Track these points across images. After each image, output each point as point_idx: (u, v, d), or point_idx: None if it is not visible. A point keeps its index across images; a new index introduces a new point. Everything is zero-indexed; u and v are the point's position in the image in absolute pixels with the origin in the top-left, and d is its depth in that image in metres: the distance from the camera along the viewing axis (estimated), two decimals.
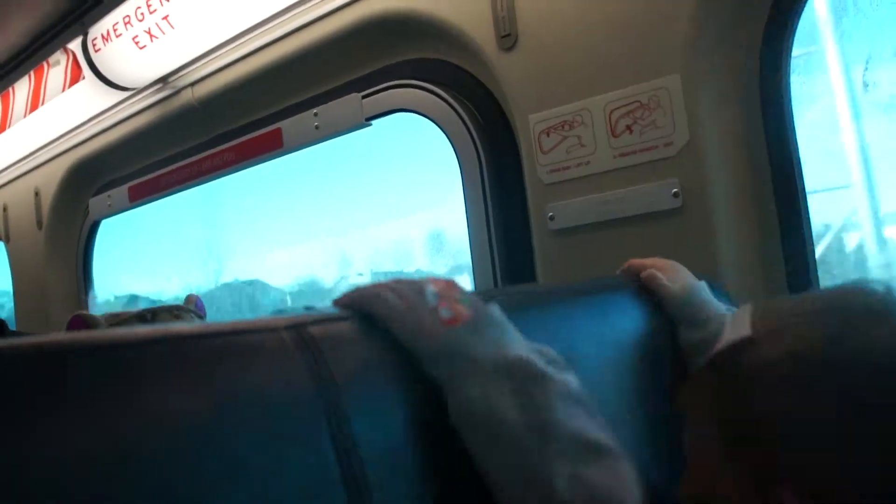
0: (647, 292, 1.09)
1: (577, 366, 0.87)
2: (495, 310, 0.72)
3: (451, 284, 0.74)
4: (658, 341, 1.05)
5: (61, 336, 0.53)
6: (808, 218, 1.46)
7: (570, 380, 0.70)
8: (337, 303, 0.73)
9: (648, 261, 1.13)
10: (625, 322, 1.02)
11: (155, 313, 1.28)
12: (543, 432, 0.64)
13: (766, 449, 0.70)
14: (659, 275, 1.09)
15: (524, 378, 0.66)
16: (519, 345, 0.70)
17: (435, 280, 0.74)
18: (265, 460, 0.55)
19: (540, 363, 0.68)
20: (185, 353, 0.56)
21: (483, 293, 0.81)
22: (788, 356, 0.70)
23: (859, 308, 0.71)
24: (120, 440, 0.49)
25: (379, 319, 0.69)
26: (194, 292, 1.68)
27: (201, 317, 1.33)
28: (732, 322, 0.79)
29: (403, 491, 0.63)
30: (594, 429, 0.66)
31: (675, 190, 1.45)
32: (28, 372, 0.48)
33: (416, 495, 0.64)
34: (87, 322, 1.28)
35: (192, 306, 1.35)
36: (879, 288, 0.73)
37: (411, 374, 0.68)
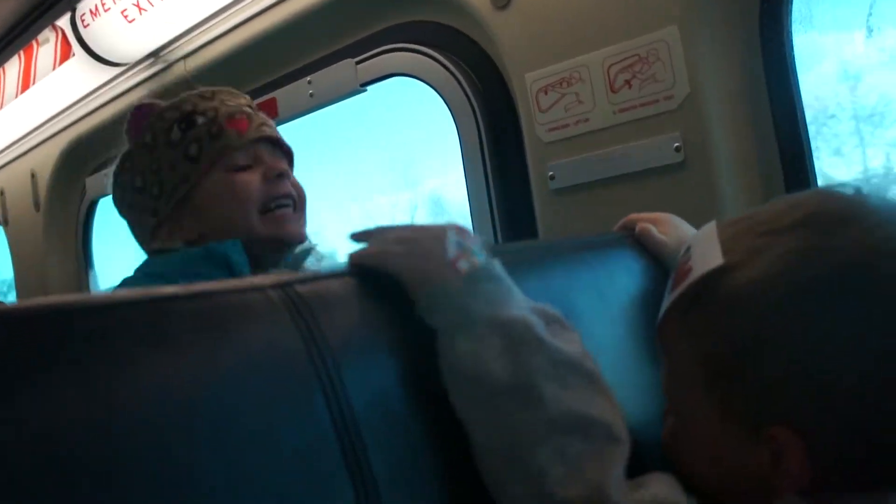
0: (642, 247, 1.06)
1: (577, 321, 0.85)
2: (495, 265, 0.70)
3: (467, 233, 0.72)
4: (658, 295, 1.02)
5: (40, 302, 0.51)
6: (813, 168, 1.43)
7: (572, 342, 0.68)
8: (352, 257, 0.70)
9: (646, 215, 1.10)
10: (624, 277, 1.00)
11: None
12: (531, 398, 0.62)
13: (755, 384, 0.64)
14: (652, 228, 1.06)
15: (518, 340, 0.63)
16: (518, 303, 0.68)
17: (456, 228, 0.71)
18: (257, 422, 0.54)
19: (538, 327, 0.65)
20: (169, 314, 0.55)
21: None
22: (767, 279, 0.64)
23: (829, 216, 0.65)
24: (106, 405, 0.48)
25: (389, 274, 0.67)
26: None
27: None
28: (698, 248, 0.72)
29: (401, 450, 0.61)
30: (588, 402, 0.63)
31: (676, 144, 1.42)
32: (10, 339, 0.47)
33: (413, 455, 0.62)
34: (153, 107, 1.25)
35: None
36: (848, 191, 0.68)
37: (407, 331, 0.66)
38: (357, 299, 0.65)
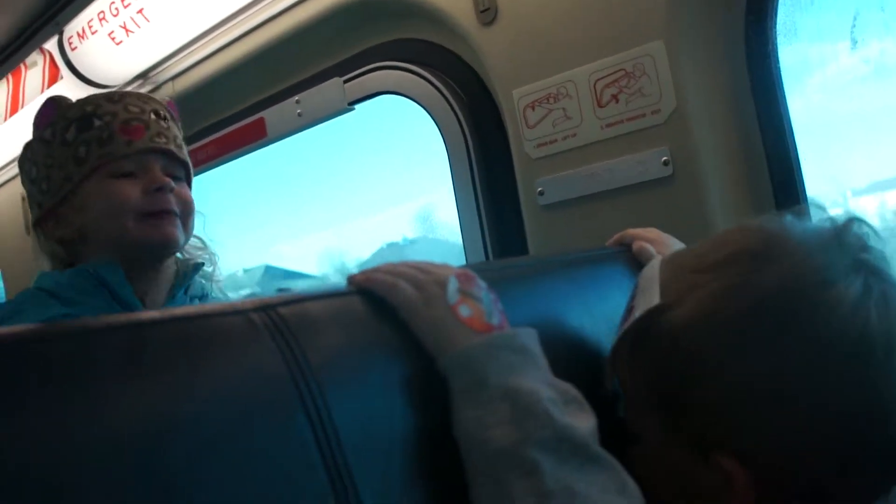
0: (639, 264, 1.05)
1: (565, 338, 0.85)
2: (525, 333, 0.69)
3: (471, 278, 0.72)
4: None
5: (16, 328, 0.50)
6: (802, 178, 1.43)
7: (586, 422, 0.65)
8: (352, 280, 0.71)
9: (642, 231, 1.10)
10: (616, 293, 0.99)
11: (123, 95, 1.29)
12: (528, 468, 0.60)
13: (695, 414, 0.69)
14: (650, 248, 1.06)
15: (525, 411, 0.62)
16: (537, 376, 0.66)
17: (456, 272, 0.71)
18: (238, 447, 0.52)
19: (550, 402, 0.63)
20: (148, 340, 0.54)
21: (470, 267, 0.78)
22: (698, 318, 0.68)
23: (751, 254, 0.69)
24: (84, 432, 0.46)
25: (392, 308, 0.68)
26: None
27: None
28: (642, 287, 0.76)
29: (388, 475, 0.60)
30: (589, 483, 0.61)
31: (664, 158, 1.42)
32: None
33: (402, 479, 0.61)
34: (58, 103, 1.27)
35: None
36: (775, 225, 0.72)
37: (395, 355, 0.65)
38: (341, 322, 0.64)
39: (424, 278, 0.69)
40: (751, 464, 0.65)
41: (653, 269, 0.77)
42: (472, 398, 0.63)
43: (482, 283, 0.72)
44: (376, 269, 0.72)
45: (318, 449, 0.56)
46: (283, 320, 0.60)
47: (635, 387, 0.76)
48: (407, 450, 0.62)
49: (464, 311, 0.67)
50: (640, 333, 0.73)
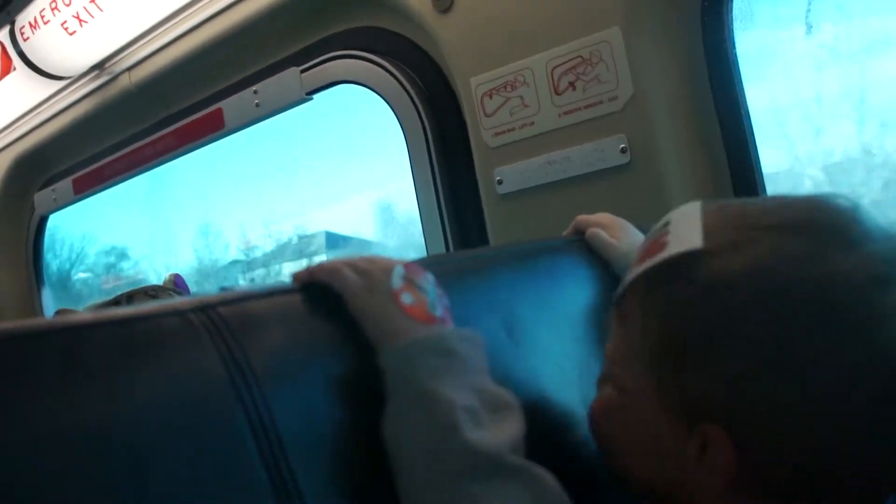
0: (594, 251, 1.05)
1: (521, 330, 0.85)
2: (456, 334, 0.67)
3: (419, 270, 0.71)
4: (608, 301, 1.01)
5: None
6: (759, 164, 1.43)
7: (502, 433, 0.63)
8: (297, 277, 0.70)
9: (594, 217, 1.10)
10: (572, 283, 0.99)
11: (131, 296, 1.24)
12: (438, 484, 0.60)
13: (702, 378, 0.62)
14: (602, 233, 1.05)
15: (435, 423, 0.61)
16: (458, 382, 0.64)
17: (405, 263, 0.71)
18: (177, 451, 0.51)
19: (460, 412, 0.62)
20: (84, 343, 0.52)
21: (421, 261, 0.77)
22: (754, 272, 0.60)
23: (829, 228, 0.62)
24: (17, 439, 0.45)
25: (338, 295, 0.67)
26: None
27: (182, 294, 1.29)
28: (678, 226, 0.67)
29: (333, 476, 0.59)
30: (502, 496, 0.60)
31: (622, 145, 1.42)
32: None
33: (345, 481, 0.60)
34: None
35: (171, 285, 1.32)
36: (846, 205, 0.63)
37: (338, 353, 0.64)
38: (284, 321, 0.63)
39: (369, 266, 0.69)
40: (741, 446, 0.60)
41: (693, 209, 0.68)
42: (396, 395, 0.63)
43: (430, 277, 0.71)
44: (322, 264, 0.71)
45: (259, 453, 0.55)
46: (224, 320, 0.58)
47: (638, 330, 0.68)
48: (351, 450, 0.61)
49: (406, 298, 0.66)
50: (670, 274, 0.65)
